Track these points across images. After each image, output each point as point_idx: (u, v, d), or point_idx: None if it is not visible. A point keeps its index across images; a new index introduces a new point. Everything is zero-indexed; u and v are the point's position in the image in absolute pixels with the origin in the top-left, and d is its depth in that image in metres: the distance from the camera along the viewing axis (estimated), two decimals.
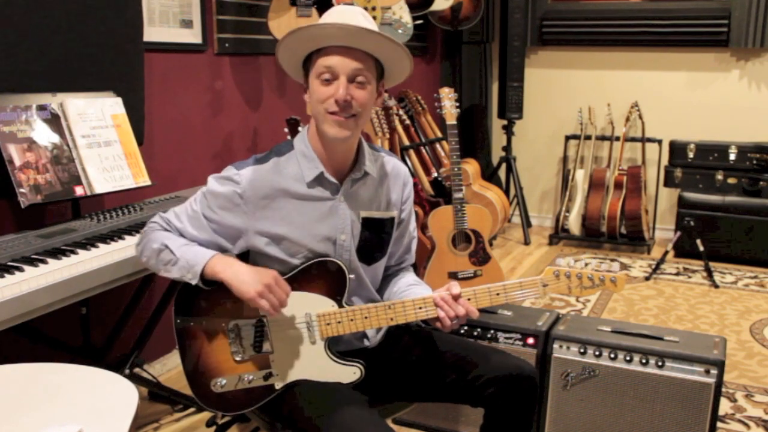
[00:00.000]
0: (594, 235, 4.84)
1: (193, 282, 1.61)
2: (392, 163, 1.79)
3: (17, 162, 2.00)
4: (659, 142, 4.95)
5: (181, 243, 1.65)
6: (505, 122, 5.11)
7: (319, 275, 1.65)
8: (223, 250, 1.68)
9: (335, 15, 1.59)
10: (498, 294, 1.64)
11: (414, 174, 4.22)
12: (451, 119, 3.55)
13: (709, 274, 4.15)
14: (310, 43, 1.58)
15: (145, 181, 2.34)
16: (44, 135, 2.10)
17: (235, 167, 1.65)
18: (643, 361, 2.08)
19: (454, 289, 1.61)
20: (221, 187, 1.64)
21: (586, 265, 1.68)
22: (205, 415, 2.55)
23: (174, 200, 2.45)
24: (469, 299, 1.63)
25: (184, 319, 1.67)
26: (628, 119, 4.95)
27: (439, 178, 4.29)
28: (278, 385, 1.64)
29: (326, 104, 1.57)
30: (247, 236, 1.66)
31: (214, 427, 2.30)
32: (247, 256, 1.77)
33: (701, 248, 4.20)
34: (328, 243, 1.68)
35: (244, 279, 1.55)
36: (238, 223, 1.65)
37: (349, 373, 1.64)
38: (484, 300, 1.64)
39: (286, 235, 1.65)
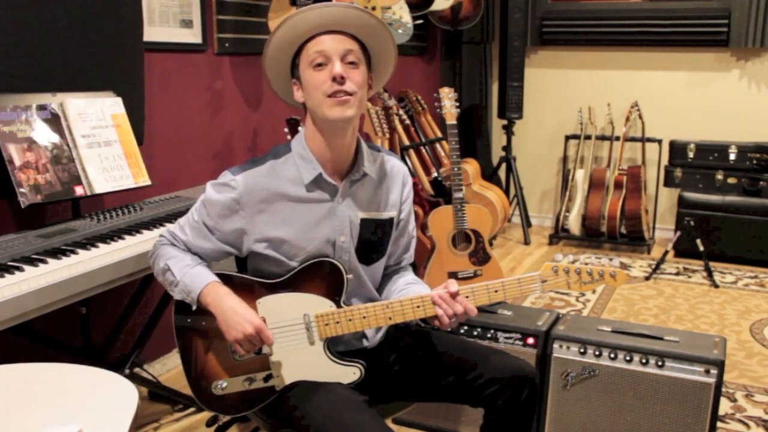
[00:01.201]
0: (594, 235, 4.84)
1: (193, 307, 1.64)
2: (392, 162, 1.79)
3: (17, 162, 2.00)
4: (659, 142, 4.95)
5: (183, 264, 1.66)
6: (505, 122, 5.11)
7: (317, 276, 1.65)
8: (231, 256, 1.71)
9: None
10: (496, 291, 1.64)
11: (414, 174, 4.22)
12: (451, 119, 3.55)
13: (709, 274, 4.15)
14: (298, 32, 1.59)
15: (145, 181, 2.34)
16: (44, 135, 2.10)
17: (231, 172, 1.64)
18: (643, 361, 2.08)
19: (452, 287, 1.61)
20: (218, 194, 1.64)
21: (586, 264, 1.68)
22: (205, 415, 2.55)
23: (174, 200, 2.45)
24: (467, 297, 1.62)
25: (185, 320, 1.67)
26: (628, 119, 4.95)
27: (439, 178, 4.30)
28: (278, 387, 1.64)
29: (323, 88, 1.57)
30: (247, 242, 1.66)
31: (214, 427, 2.30)
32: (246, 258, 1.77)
33: (701, 248, 4.20)
34: (327, 245, 1.68)
35: (227, 321, 1.57)
36: (237, 230, 1.65)
37: (348, 373, 1.64)
38: (483, 297, 1.63)
39: (286, 238, 1.65)
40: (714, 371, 2.02)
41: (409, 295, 1.67)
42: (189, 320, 1.67)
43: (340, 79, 1.56)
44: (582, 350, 2.15)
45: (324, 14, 1.57)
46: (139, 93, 2.60)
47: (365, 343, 1.77)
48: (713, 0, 4.80)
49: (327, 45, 1.58)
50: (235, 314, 1.57)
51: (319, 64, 1.58)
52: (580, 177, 4.96)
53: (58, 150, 2.12)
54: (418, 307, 1.63)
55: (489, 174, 5.21)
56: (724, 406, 2.68)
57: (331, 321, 1.63)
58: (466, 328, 2.28)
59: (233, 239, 1.67)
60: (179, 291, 1.64)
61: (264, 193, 1.63)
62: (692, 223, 4.27)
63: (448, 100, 3.58)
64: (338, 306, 1.64)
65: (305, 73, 1.60)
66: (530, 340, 2.21)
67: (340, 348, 1.71)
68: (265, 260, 1.69)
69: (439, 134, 4.67)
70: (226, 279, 1.66)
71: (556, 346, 2.18)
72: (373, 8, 3.33)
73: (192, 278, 1.63)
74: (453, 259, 3.47)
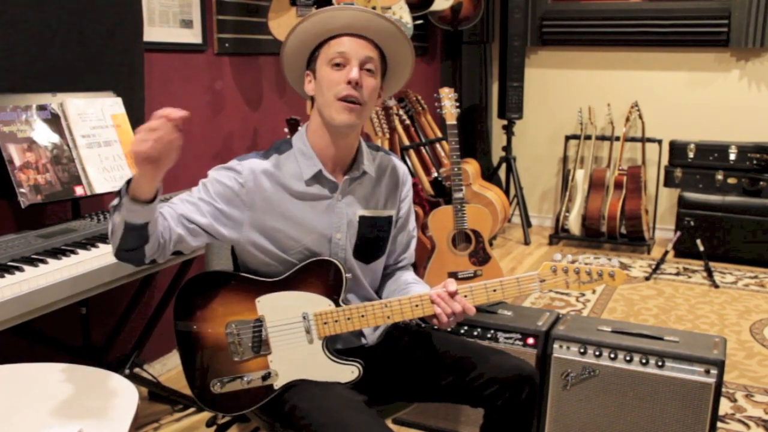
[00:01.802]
0: (594, 235, 4.84)
1: (119, 200, 1.43)
2: (391, 161, 1.80)
3: (17, 162, 2.00)
4: (659, 142, 4.95)
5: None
6: (505, 122, 5.11)
7: (316, 274, 1.65)
8: (212, 237, 1.63)
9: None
10: (495, 290, 1.64)
11: (414, 174, 4.22)
12: (451, 119, 3.55)
13: (709, 274, 4.15)
14: (325, 27, 1.60)
15: None
16: (44, 135, 2.10)
17: (237, 159, 1.66)
18: (643, 361, 2.08)
19: (450, 286, 1.61)
20: (223, 177, 1.64)
21: (585, 264, 1.68)
22: (205, 415, 2.55)
23: None
24: (465, 296, 1.62)
25: (184, 320, 1.67)
26: (628, 119, 4.95)
27: (439, 178, 4.29)
28: (277, 385, 1.65)
29: (337, 89, 1.59)
30: (242, 229, 1.65)
31: (214, 427, 2.31)
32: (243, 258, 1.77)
33: (701, 248, 4.20)
34: (322, 240, 1.68)
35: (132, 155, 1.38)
36: (235, 214, 1.64)
37: (347, 372, 1.64)
38: (481, 296, 1.64)
39: (281, 230, 1.65)
40: (714, 371, 2.02)
41: (408, 294, 1.68)
42: (189, 320, 1.67)
43: (355, 84, 1.58)
44: (582, 350, 2.15)
45: (356, 17, 1.59)
46: (139, 93, 2.60)
47: (363, 341, 1.77)
48: (713, 0, 4.80)
49: (349, 47, 1.60)
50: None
51: (338, 64, 1.60)
52: (580, 177, 4.96)
53: (58, 150, 2.12)
54: (417, 306, 1.63)
55: (489, 174, 5.21)
56: (724, 406, 2.68)
57: (330, 320, 1.63)
58: (466, 328, 2.28)
59: (223, 222, 1.62)
60: (113, 208, 1.46)
61: (266, 184, 1.64)
62: (692, 223, 4.27)
63: (448, 100, 3.58)
64: (337, 305, 1.64)
65: (321, 70, 1.62)
66: (530, 340, 2.21)
67: (338, 345, 1.71)
68: (260, 254, 1.67)
69: (439, 134, 4.67)
70: (225, 278, 1.66)
71: (556, 346, 2.18)
72: (373, 8, 3.33)
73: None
74: (453, 259, 3.47)
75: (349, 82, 1.58)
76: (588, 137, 5.09)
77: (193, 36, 3.05)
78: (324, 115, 1.63)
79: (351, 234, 1.71)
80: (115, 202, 1.45)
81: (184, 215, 1.60)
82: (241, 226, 1.65)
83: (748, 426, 2.56)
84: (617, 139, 5.00)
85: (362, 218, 1.72)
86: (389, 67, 1.70)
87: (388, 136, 4.00)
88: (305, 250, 1.67)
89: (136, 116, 2.49)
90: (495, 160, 5.37)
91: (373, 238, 1.75)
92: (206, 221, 1.62)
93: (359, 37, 1.61)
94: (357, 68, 1.59)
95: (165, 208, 1.60)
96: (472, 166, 4.68)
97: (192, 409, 2.64)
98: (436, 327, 1.68)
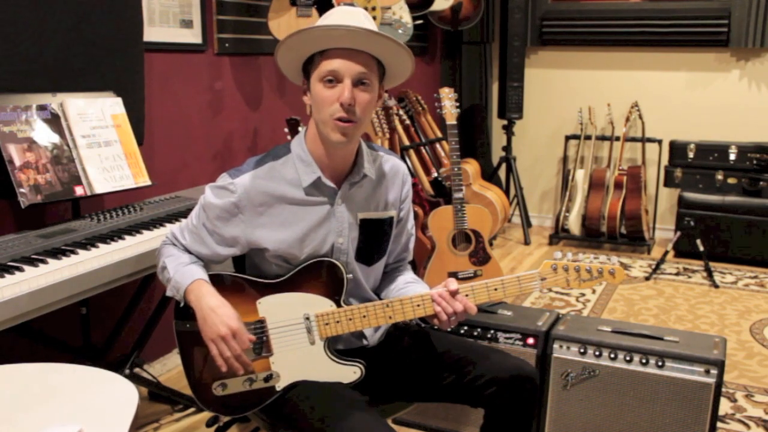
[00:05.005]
0: (594, 235, 4.84)
1: (181, 304, 1.66)
2: (391, 161, 1.79)
3: (17, 162, 2.00)
4: (659, 142, 4.95)
5: (178, 262, 1.67)
6: (505, 122, 5.11)
7: (317, 276, 1.65)
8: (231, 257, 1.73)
9: (337, 16, 1.57)
10: (496, 289, 1.64)
11: (414, 174, 4.22)
12: (451, 119, 3.55)
13: (709, 274, 4.15)
14: (314, 44, 1.56)
15: (145, 181, 2.34)
16: (44, 135, 2.10)
17: (229, 176, 1.64)
18: (643, 361, 2.08)
19: (451, 286, 1.61)
20: (217, 198, 1.64)
21: (585, 262, 1.67)
22: (205, 415, 2.55)
23: (174, 200, 2.45)
24: (466, 295, 1.62)
25: (185, 322, 1.67)
26: (628, 119, 4.95)
27: (439, 178, 4.29)
28: (279, 387, 1.64)
29: (331, 109, 1.55)
30: (245, 245, 1.67)
31: (214, 427, 2.30)
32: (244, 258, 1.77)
33: (701, 248, 4.20)
34: (325, 246, 1.68)
35: (205, 320, 1.58)
36: (236, 232, 1.65)
37: (349, 373, 1.64)
38: (482, 295, 1.63)
39: (284, 240, 1.65)
40: (714, 371, 2.02)
41: (409, 293, 1.68)
42: (189, 321, 1.67)
43: (348, 106, 1.54)
44: (582, 350, 2.15)
45: (347, 37, 1.52)
46: (139, 93, 2.60)
47: (365, 342, 1.77)
48: (713, 0, 4.80)
49: (341, 65, 1.54)
50: (214, 313, 1.57)
51: (331, 81, 1.55)
52: (580, 177, 4.96)
53: (58, 150, 2.12)
54: (418, 305, 1.63)
55: (489, 174, 5.21)
56: (724, 406, 2.68)
57: (332, 320, 1.63)
58: (466, 328, 2.28)
59: (232, 243, 1.67)
60: (171, 287, 1.66)
61: (263, 197, 1.63)
62: (692, 223, 4.27)
63: (448, 100, 3.58)
64: (338, 305, 1.64)
65: (315, 86, 1.58)
66: (530, 341, 2.21)
67: (339, 346, 1.71)
68: (264, 260, 1.69)
69: (439, 134, 4.67)
70: (224, 280, 1.67)
71: (556, 346, 2.18)
72: (373, 8, 3.33)
73: (182, 275, 1.64)
74: (453, 259, 3.47)
75: (342, 104, 1.53)
76: (588, 137, 5.09)
77: (193, 36, 3.05)
78: (320, 130, 1.61)
79: (352, 237, 1.71)
80: (170, 291, 1.68)
81: (192, 253, 1.71)
82: (244, 243, 1.66)
83: (748, 426, 2.56)
84: (617, 139, 5.00)
85: (363, 221, 1.71)
86: (387, 70, 1.64)
87: (388, 136, 4.00)
88: (308, 257, 1.67)
89: (136, 116, 2.49)
90: (495, 160, 5.37)
91: (374, 240, 1.74)
92: (211, 252, 1.69)
93: (352, 50, 1.54)
94: (349, 88, 1.53)
95: (180, 246, 1.73)
96: (472, 166, 4.68)
97: (192, 409, 2.64)
98: (436, 327, 1.68)
